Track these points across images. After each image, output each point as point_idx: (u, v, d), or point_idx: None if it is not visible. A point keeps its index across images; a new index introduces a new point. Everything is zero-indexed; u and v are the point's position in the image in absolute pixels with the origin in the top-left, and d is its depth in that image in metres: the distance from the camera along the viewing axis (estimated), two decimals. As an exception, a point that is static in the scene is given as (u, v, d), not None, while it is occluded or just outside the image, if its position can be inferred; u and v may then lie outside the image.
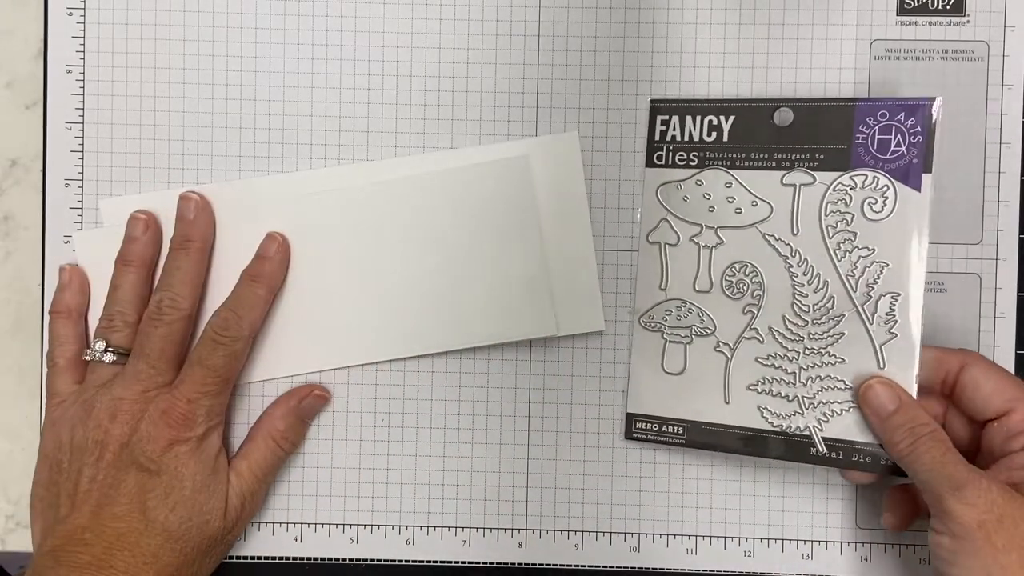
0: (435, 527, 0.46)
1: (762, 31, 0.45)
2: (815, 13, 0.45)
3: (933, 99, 0.41)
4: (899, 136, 0.41)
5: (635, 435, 0.45)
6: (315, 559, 0.46)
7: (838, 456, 0.42)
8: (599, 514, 0.45)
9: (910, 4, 0.45)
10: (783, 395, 0.43)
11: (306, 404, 0.45)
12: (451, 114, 0.45)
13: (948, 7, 0.45)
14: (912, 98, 0.42)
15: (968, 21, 0.45)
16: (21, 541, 0.47)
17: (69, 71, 0.46)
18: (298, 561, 0.46)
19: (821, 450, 0.42)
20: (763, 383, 0.43)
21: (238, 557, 0.46)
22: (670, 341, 0.44)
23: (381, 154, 0.45)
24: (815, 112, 0.43)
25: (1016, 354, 0.45)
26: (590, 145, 0.45)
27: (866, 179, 0.42)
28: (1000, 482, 0.37)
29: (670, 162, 0.44)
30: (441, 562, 0.46)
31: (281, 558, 0.46)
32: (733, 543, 0.45)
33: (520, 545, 0.46)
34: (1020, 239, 0.45)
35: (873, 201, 0.42)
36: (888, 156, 0.41)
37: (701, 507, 0.45)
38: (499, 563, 0.46)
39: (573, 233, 0.45)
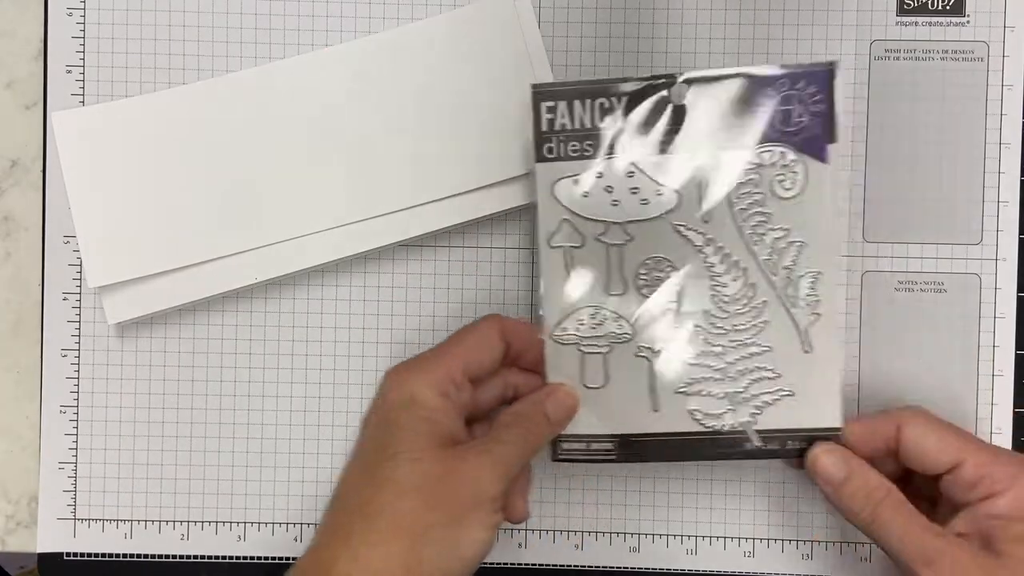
0: (435, 527, 0.46)
1: (762, 31, 0.45)
2: (815, 13, 0.45)
3: (832, 63, 0.39)
4: (800, 106, 0.39)
5: (562, 456, 0.41)
6: (315, 559, 0.46)
7: (774, 447, 0.41)
8: (599, 514, 0.45)
9: (910, 4, 0.45)
10: (713, 394, 0.40)
11: None
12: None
13: (948, 7, 0.45)
14: (810, 64, 0.39)
15: (968, 21, 0.45)
16: (21, 541, 0.47)
17: (69, 71, 0.46)
18: (298, 561, 0.46)
19: (756, 444, 0.41)
20: (692, 385, 0.41)
21: (238, 557, 0.46)
22: (587, 353, 0.41)
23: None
24: (713, 86, 0.39)
25: (1016, 354, 0.45)
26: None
27: (772, 155, 0.39)
28: (971, 549, 0.37)
29: (562, 154, 0.40)
30: (441, 562, 0.46)
31: (281, 558, 0.46)
32: (733, 543, 0.45)
33: (520, 545, 0.46)
34: (1020, 239, 0.45)
35: (782, 178, 0.39)
36: (792, 128, 0.39)
37: (701, 507, 0.45)
38: (499, 563, 0.45)
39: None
